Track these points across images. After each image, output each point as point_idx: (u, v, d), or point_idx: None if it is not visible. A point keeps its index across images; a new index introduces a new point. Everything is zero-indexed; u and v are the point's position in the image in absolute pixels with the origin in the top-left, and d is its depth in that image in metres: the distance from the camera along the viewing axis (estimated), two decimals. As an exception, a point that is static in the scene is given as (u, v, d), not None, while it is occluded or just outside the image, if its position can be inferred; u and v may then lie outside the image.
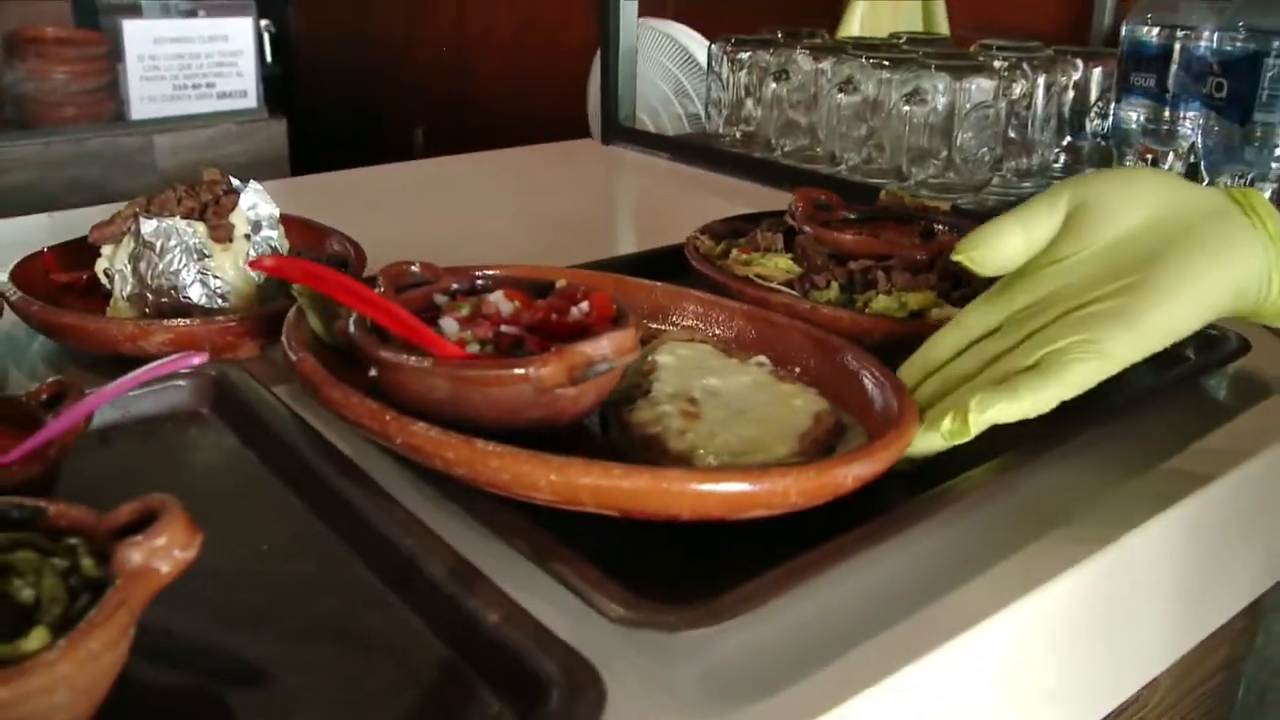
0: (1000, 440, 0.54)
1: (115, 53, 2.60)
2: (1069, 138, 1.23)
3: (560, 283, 0.59)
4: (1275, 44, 0.86)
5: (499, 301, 0.56)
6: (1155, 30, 0.93)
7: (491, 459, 0.46)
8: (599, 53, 1.95)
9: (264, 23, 4.16)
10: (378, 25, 3.82)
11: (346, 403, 0.52)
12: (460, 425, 0.49)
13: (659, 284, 0.71)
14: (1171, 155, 0.95)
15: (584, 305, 0.55)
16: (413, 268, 0.61)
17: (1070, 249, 0.57)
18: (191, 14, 2.87)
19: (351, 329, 0.54)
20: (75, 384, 0.53)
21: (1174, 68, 0.92)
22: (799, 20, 1.56)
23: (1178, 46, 0.92)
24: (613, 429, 0.55)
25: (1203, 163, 0.91)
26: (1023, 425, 0.53)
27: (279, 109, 4.19)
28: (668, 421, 0.53)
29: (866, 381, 0.58)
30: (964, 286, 0.67)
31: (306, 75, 4.20)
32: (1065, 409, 0.53)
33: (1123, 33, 0.96)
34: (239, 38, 2.70)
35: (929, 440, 0.53)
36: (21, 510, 0.42)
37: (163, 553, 0.39)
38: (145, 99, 2.60)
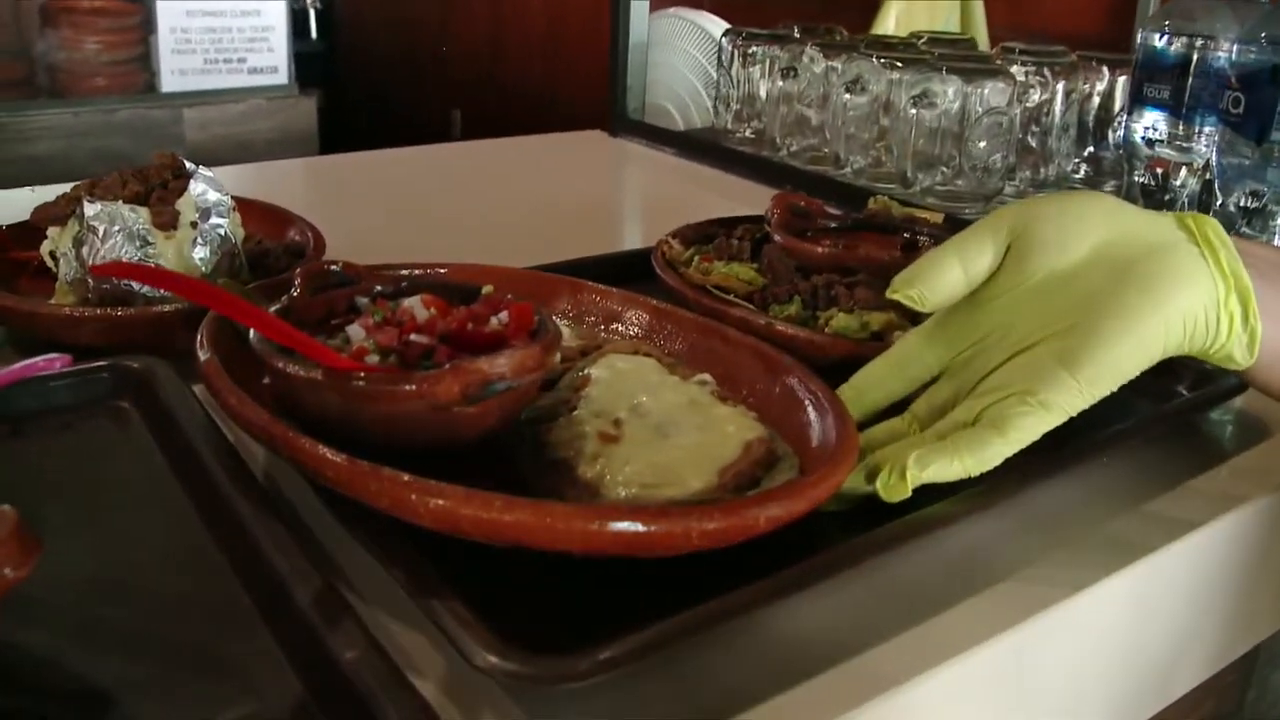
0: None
1: (148, 24, 2.60)
2: (1090, 148, 1.17)
3: (487, 288, 0.55)
4: (1299, 58, 0.81)
5: (415, 308, 0.52)
6: (1171, 39, 0.87)
7: (370, 481, 0.43)
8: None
9: (310, -1, 4.19)
10: (417, 9, 3.81)
11: (240, 410, 0.48)
12: (360, 439, 0.46)
13: (613, 290, 0.67)
14: (1185, 171, 0.90)
15: (503, 315, 0.52)
16: (333, 267, 0.57)
17: (1010, 281, 0.54)
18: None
19: (251, 335, 0.51)
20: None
21: (1190, 79, 0.87)
22: (836, 16, 1.51)
23: (1195, 57, 0.86)
24: (526, 448, 0.52)
25: (1216, 180, 0.86)
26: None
27: (321, 85, 4.21)
28: (582, 444, 0.50)
29: (809, 410, 0.54)
30: (933, 307, 0.63)
31: (350, 53, 4.21)
32: (1040, 445, 0.50)
33: (1137, 40, 0.90)
34: (272, 14, 2.69)
35: (859, 486, 0.50)
36: None
37: (-11, 570, 0.36)
38: (176, 72, 2.60)
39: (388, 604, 0.45)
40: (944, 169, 1.08)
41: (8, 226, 0.80)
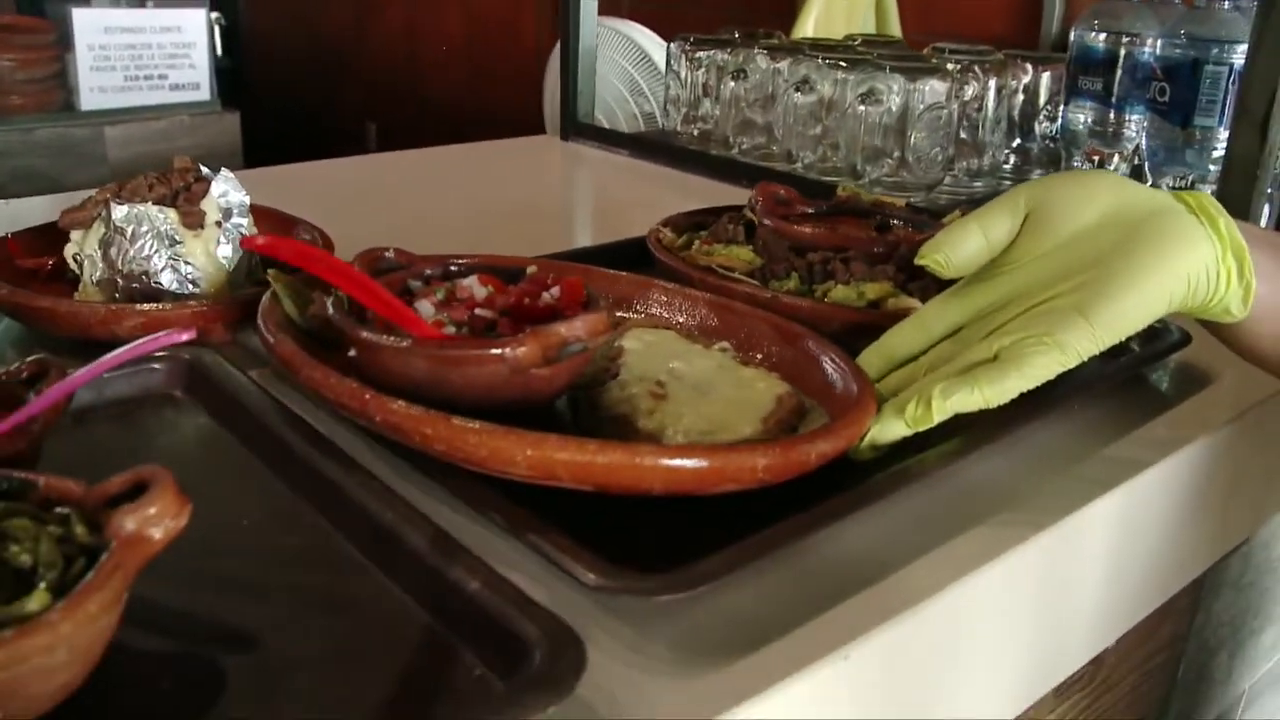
0: (954, 428, 0.56)
1: (64, 41, 2.57)
2: (1018, 139, 1.26)
3: (531, 269, 0.60)
4: (1214, 52, 0.90)
5: (473, 286, 0.58)
6: (1102, 36, 0.96)
7: (470, 435, 0.48)
8: (556, 50, 1.97)
9: (215, 15, 4.15)
10: (328, 20, 3.81)
11: (325, 382, 0.53)
12: (437, 404, 0.51)
13: (624, 274, 0.73)
14: (1117, 157, 0.99)
15: (554, 290, 0.57)
16: (387, 254, 0.62)
17: (1027, 248, 0.59)
18: (141, 3, 2.85)
19: (330, 311, 0.55)
20: (56, 362, 0.54)
21: (1119, 73, 0.95)
22: (752, 21, 1.59)
23: (1123, 52, 0.95)
24: (583, 410, 0.57)
25: (1146, 164, 0.95)
26: (976, 415, 0.55)
27: (230, 103, 4.18)
28: (637, 402, 0.56)
29: (827, 366, 0.60)
30: (920, 278, 0.70)
31: (258, 69, 4.19)
32: (1017, 399, 0.55)
33: (1071, 37, 0.99)
34: (192, 29, 2.68)
35: (892, 428, 0.54)
36: (10, 482, 0.43)
37: (155, 520, 0.40)
38: (95, 89, 2.58)
39: (489, 547, 0.49)
40: (889, 161, 1.15)
41: (12, 235, 0.83)
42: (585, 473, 0.47)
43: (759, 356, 0.65)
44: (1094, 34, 0.96)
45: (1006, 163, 1.26)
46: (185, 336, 0.48)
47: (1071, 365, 0.54)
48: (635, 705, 0.42)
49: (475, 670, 0.42)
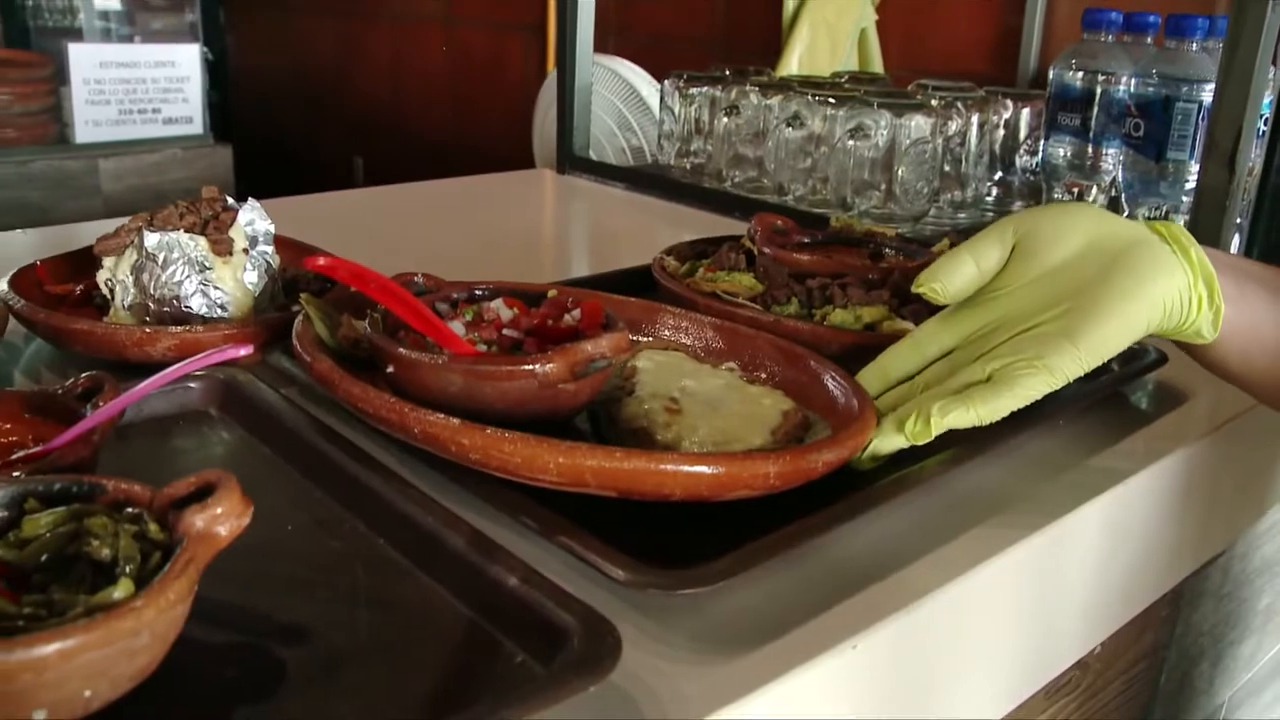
0: (948, 441, 0.60)
1: (60, 75, 2.61)
2: (1000, 173, 1.31)
3: (551, 292, 0.65)
4: (1184, 90, 0.95)
5: (500, 308, 0.62)
6: (1079, 75, 1.01)
7: (505, 444, 0.52)
8: (548, 86, 2.02)
9: (203, 49, 4.20)
10: (313, 55, 3.85)
11: (365, 397, 0.57)
12: (469, 417, 0.54)
13: (633, 299, 0.77)
14: (1095, 189, 1.04)
15: (575, 312, 0.61)
16: (416, 278, 0.66)
17: (1015, 275, 0.63)
18: (130, 39, 2.89)
19: (367, 330, 0.59)
20: (109, 378, 0.58)
21: (1096, 109, 1.01)
22: (736, 56, 1.64)
23: (1099, 90, 1.00)
24: (603, 425, 0.61)
25: (1123, 195, 1.00)
26: (969, 430, 0.60)
27: (217, 137, 4.21)
28: (654, 416, 0.59)
29: (829, 384, 0.64)
30: (913, 302, 0.74)
31: (245, 103, 4.22)
32: (1007, 416, 0.60)
33: (1050, 76, 1.04)
34: (186, 63, 2.72)
35: (891, 440, 0.59)
36: (81, 487, 0.47)
37: (222, 519, 0.44)
38: (90, 123, 2.62)
39: (522, 547, 0.53)
40: (876, 193, 1.20)
41: (41, 262, 0.86)
42: (611, 478, 0.51)
43: (763, 376, 0.69)
44: (1072, 73, 1.01)
45: (989, 195, 1.31)
46: (243, 352, 0.52)
47: (1059, 386, 0.59)
48: (663, 690, 0.45)
49: (517, 658, 0.46)
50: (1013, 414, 0.59)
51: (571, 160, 1.46)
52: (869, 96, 1.21)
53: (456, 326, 0.60)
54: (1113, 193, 1.02)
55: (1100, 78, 1.00)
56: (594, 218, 1.41)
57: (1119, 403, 0.77)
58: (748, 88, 1.32)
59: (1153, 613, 0.79)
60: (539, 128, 2.13)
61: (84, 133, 2.62)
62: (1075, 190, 1.03)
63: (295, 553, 0.54)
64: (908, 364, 0.65)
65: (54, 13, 2.93)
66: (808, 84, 1.32)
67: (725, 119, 1.32)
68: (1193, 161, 0.94)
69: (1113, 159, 1.00)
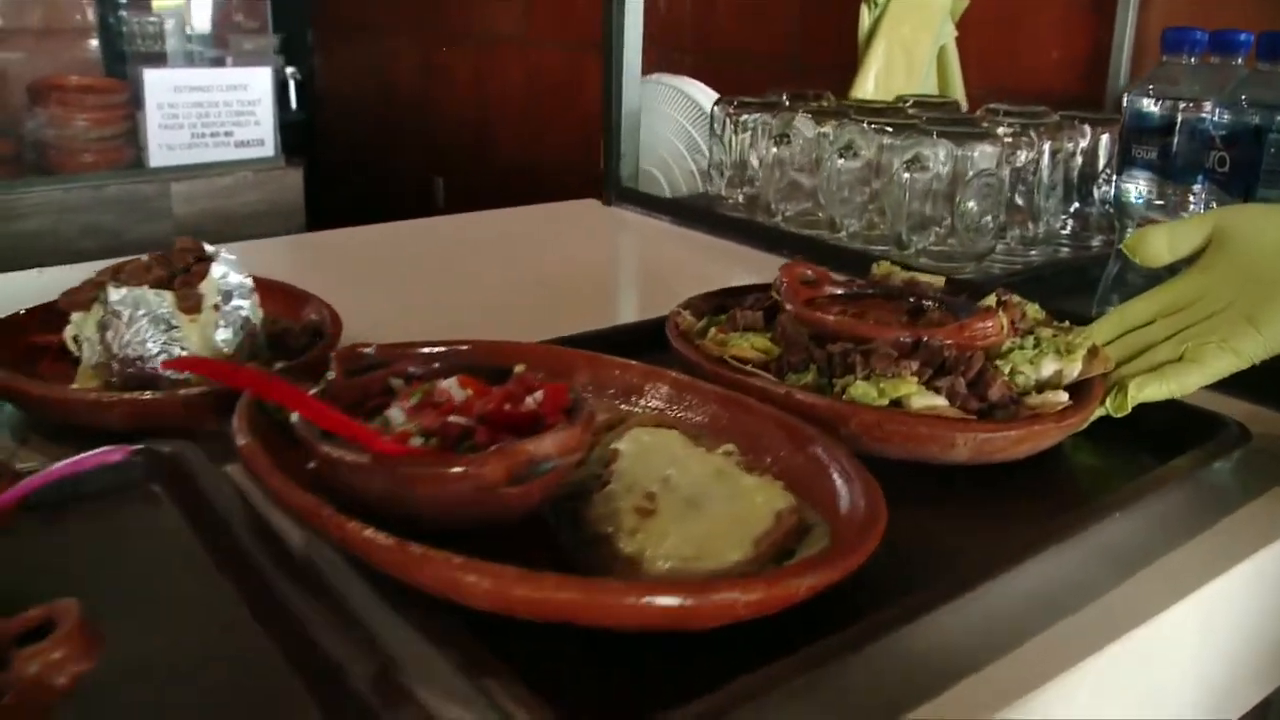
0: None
1: (136, 100, 2.62)
2: (1076, 204, 1.20)
3: (518, 368, 0.57)
4: (1278, 118, 0.84)
5: (452, 389, 0.54)
6: (1157, 102, 0.90)
7: (425, 565, 0.44)
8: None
9: (290, 70, 4.24)
10: (398, 76, 3.86)
11: (286, 493, 0.49)
12: (404, 519, 0.47)
13: (633, 363, 0.69)
14: (1175, 230, 0.93)
15: (538, 394, 0.53)
16: (367, 350, 0.59)
17: (1213, 262, 0.70)
18: (219, 62, 2.90)
19: (294, 418, 0.52)
20: (9, 466, 0.52)
21: (1176, 141, 0.90)
22: (814, 78, 1.55)
23: (1180, 119, 0.89)
24: (564, 525, 0.53)
25: (1207, 237, 0.89)
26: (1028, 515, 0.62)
27: (303, 155, 4.24)
28: (621, 519, 0.51)
29: (836, 478, 0.55)
30: (947, 374, 0.64)
31: (330, 123, 4.25)
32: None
33: (1124, 103, 0.93)
34: (258, 87, 2.71)
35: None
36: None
37: (58, 665, 0.38)
38: (164, 146, 2.62)
39: (441, 683, 0.45)
40: (937, 229, 1.10)
41: (27, 311, 0.81)
42: (545, 609, 0.43)
43: (767, 460, 0.60)
44: (1148, 100, 0.90)
45: (1064, 229, 1.20)
46: (117, 456, 0.45)
47: (1244, 366, 0.66)
48: None
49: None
50: (1076, 490, 0.68)
51: (619, 191, 1.38)
52: (929, 125, 1.11)
53: (396, 413, 0.52)
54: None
55: (1181, 105, 0.89)
56: (636, 254, 1.33)
57: (1197, 485, 0.67)
58: (800, 114, 1.23)
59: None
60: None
61: (158, 156, 2.62)
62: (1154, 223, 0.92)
63: (183, 675, 0.47)
64: (1112, 333, 0.72)
65: (144, 38, 2.95)
66: (864, 110, 1.23)
67: (774, 148, 1.23)
68: (1289, 200, 0.83)
69: (1195, 197, 0.89)
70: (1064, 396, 0.65)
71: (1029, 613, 0.53)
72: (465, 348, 0.68)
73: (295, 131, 4.34)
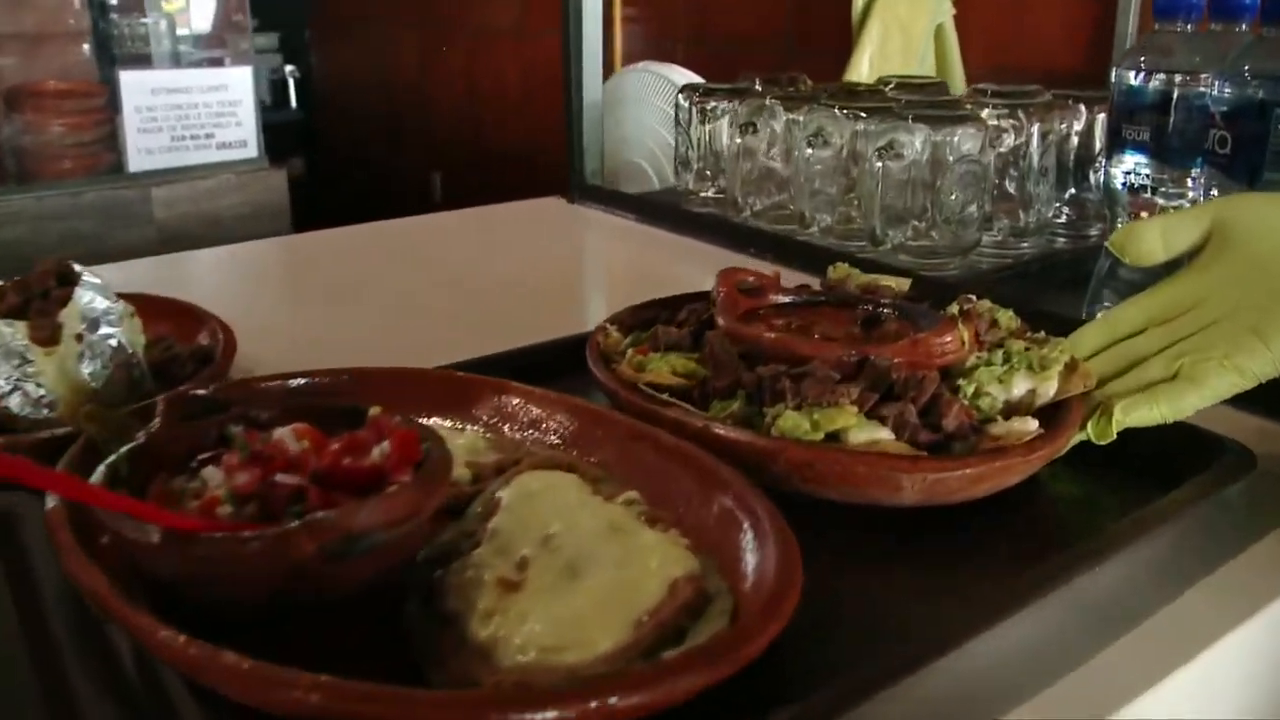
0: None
1: (114, 104, 2.55)
2: (1072, 189, 1.11)
3: (373, 410, 0.48)
4: (1289, 91, 0.74)
5: (287, 439, 0.45)
6: (1148, 75, 0.81)
7: (210, 668, 0.35)
8: (607, 89, 1.85)
9: (289, 68, 4.18)
10: (394, 72, 3.78)
11: (77, 573, 0.41)
12: (218, 603, 0.39)
13: (538, 391, 0.60)
14: (1172, 218, 0.83)
15: (385, 445, 0.45)
16: (198, 392, 0.50)
17: (1212, 262, 0.61)
18: (216, 62, 2.82)
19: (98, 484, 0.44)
20: None
21: (1171, 118, 0.80)
22: (809, 64, 1.45)
23: (1175, 93, 0.80)
24: (418, 599, 0.44)
25: (1208, 227, 0.79)
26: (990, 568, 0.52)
27: (303, 153, 4.17)
28: (480, 595, 0.43)
29: (748, 535, 0.46)
30: (895, 400, 0.55)
31: (328, 120, 4.19)
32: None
33: (1112, 79, 0.84)
34: (239, 87, 2.63)
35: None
36: None
37: None
38: (143, 151, 2.54)
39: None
40: (916, 223, 1.01)
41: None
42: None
43: (678, 510, 0.51)
44: (1139, 73, 0.80)
45: (1058, 217, 1.11)
46: None
47: (1249, 387, 0.57)
48: None
49: None
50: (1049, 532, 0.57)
51: (582, 188, 1.29)
52: (905, 109, 1.02)
53: (212, 473, 0.44)
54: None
55: (1177, 78, 0.79)
56: (597, 256, 1.25)
57: (1195, 523, 0.58)
58: (769, 101, 1.13)
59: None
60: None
61: (137, 161, 2.54)
62: (1144, 217, 0.82)
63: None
64: (1095, 343, 0.63)
65: (134, 40, 2.88)
66: (838, 94, 1.13)
67: (741, 138, 1.13)
68: (1299, 185, 0.73)
69: (1193, 182, 0.79)
70: (1033, 425, 0.56)
71: (986, 695, 0.44)
72: (346, 377, 0.60)
73: (294, 130, 4.28)
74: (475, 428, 0.60)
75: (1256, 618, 0.51)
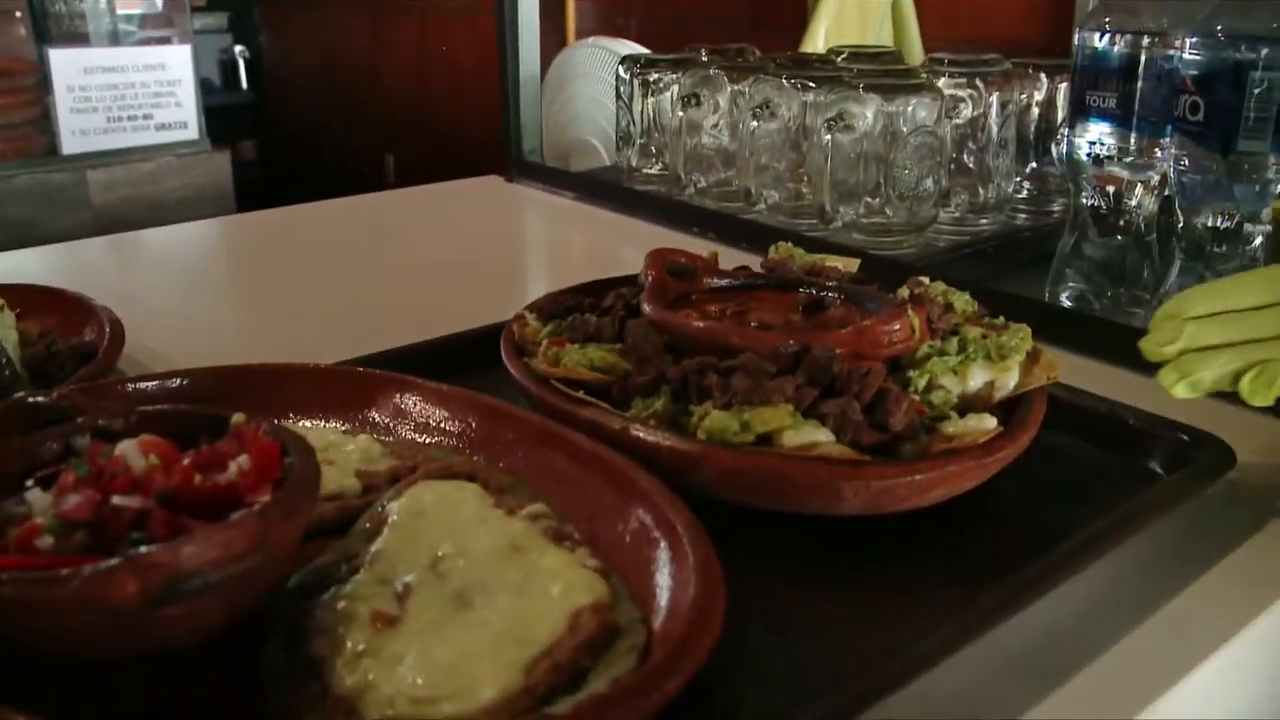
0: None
1: (45, 83, 2.45)
2: (1033, 163, 1.05)
3: (236, 418, 0.42)
4: (1263, 52, 0.68)
5: (129, 456, 0.39)
6: (1113, 38, 0.75)
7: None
8: (555, 66, 1.79)
9: (239, 49, 4.07)
10: (345, 54, 3.70)
11: None
12: (56, 651, 0.33)
13: (444, 387, 0.54)
14: (1140, 189, 0.78)
15: (243, 460, 0.38)
16: (38, 399, 0.44)
17: None
18: (163, 41, 2.72)
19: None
20: None
21: (1138, 84, 0.74)
22: (765, 38, 1.39)
23: (1142, 57, 0.74)
24: (281, 637, 0.38)
25: (1178, 199, 0.74)
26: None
27: (254, 135, 4.06)
28: (347, 634, 0.37)
29: (663, 555, 0.41)
30: (837, 395, 0.49)
31: (279, 102, 4.10)
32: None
33: (1074, 42, 0.78)
34: (178, 66, 2.54)
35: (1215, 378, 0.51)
36: None
37: None
38: (77, 132, 2.45)
39: None
40: (869, 199, 0.95)
41: None
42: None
43: (590, 525, 0.45)
44: (1104, 35, 0.75)
45: (1019, 192, 1.05)
46: None
47: None
48: None
49: None
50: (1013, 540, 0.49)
51: (520, 166, 1.23)
52: (856, 78, 0.96)
53: (37, 496, 0.37)
54: (1166, 193, 0.76)
55: (1144, 40, 0.73)
56: (531, 236, 1.18)
57: (1172, 524, 0.53)
58: (712, 72, 1.07)
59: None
60: (545, 116, 1.90)
61: (71, 143, 2.45)
62: (1110, 190, 0.77)
63: None
64: (1208, 309, 0.54)
65: (73, 18, 2.78)
66: (786, 63, 1.07)
67: (684, 111, 1.07)
68: (1276, 155, 0.68)
69: (1161, 152, 0.74)
70: (991, 422, 0.50)
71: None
72: (223, 377, 0.54)
73: (245, 112, 4.17)
74: (370, 431, 0.54)
75: (1254, 624, 0.47)
